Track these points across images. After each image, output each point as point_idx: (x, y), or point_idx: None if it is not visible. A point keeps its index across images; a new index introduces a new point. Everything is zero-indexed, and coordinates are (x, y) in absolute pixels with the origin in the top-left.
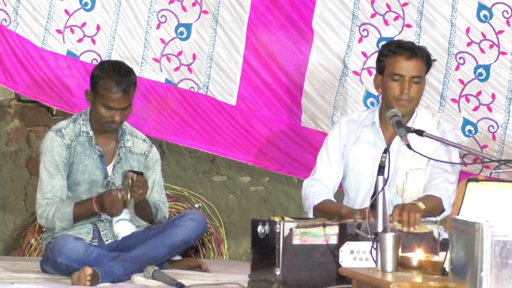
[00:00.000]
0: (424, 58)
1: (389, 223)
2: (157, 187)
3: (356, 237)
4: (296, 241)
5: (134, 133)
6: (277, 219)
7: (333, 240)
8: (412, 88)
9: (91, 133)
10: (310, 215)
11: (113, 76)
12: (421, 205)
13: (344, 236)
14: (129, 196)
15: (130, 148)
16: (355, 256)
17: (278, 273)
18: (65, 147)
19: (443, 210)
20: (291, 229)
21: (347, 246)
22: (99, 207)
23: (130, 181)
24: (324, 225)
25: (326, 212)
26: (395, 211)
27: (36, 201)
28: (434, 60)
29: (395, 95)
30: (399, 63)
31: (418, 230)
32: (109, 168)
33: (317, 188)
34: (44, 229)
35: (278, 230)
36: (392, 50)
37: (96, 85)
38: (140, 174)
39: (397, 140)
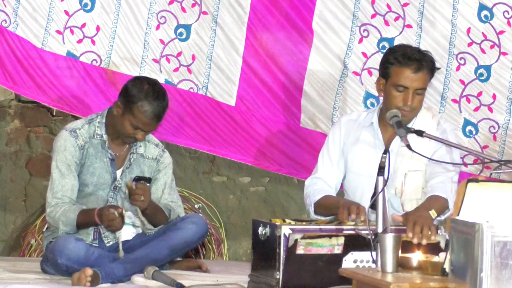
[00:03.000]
0: (430, 69)
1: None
2: (168, 189)
3: (360, 247)
4: (300, 251)
5: (147, 138)
6: (278, 221)
7: (338, 250)
8: (415, 99)
9: (105, 136)
10: (311, 213)
11: (151, 101)
12: (434, 213)
13: (349, 246)
14: (138, 210)
15: (142, 153)
16: (358, 265)
17: (278, 277)
18: (78, 148)
19: (448, 210)
20: (296, 240)
21: (351, 256)
22: (99, 220)
23: (127, 191)
24: (330, 236)
25: (326, 207)
26: (409, 224)
27: (46, 199)
28: (438, 69)
29: (398, 105)
30: (405, 74)
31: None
32: (119, 172)
33: (318, 186)
34: (45, 228)
35: (278, 234)
36: (399, 60)
37: (131, 103)
38: (147, 180)
39: (396, 141)
